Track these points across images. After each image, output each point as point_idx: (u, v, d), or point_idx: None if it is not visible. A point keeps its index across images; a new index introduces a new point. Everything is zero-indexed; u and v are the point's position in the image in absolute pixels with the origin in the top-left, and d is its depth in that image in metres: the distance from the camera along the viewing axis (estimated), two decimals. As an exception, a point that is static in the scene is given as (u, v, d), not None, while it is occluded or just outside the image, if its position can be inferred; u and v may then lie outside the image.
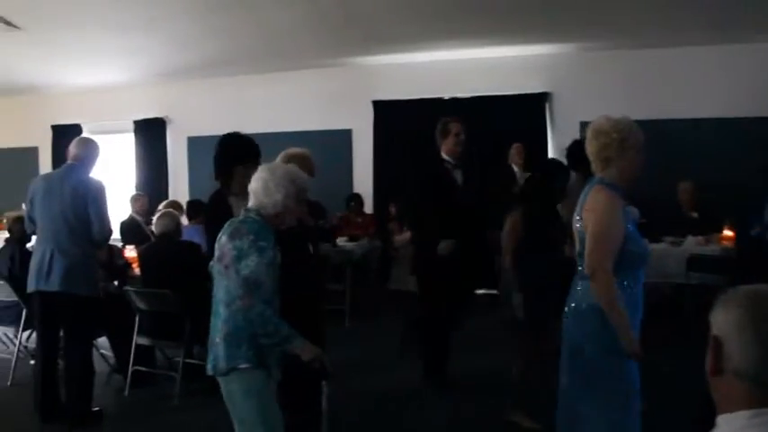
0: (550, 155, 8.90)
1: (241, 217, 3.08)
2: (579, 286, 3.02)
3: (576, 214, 3.05)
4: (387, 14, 7.63)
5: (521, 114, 8.86)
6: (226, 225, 3.10)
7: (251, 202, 3.08)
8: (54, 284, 4.58)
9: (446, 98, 9.28)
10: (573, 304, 3.04)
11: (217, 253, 3.04)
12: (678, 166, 7.69)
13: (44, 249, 4.64)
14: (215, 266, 3.04)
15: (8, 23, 7.19)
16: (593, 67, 8.74)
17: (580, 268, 3.00)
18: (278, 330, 2.89)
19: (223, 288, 2.97)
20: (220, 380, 3.02)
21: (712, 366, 1.40)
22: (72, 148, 4.87)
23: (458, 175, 5.27)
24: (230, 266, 2.91)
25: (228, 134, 4.43)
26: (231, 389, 3.00)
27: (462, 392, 5.26)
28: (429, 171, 5.34)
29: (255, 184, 3.07)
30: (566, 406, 3.10)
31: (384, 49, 8.97)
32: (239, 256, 2.89)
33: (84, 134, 11.24)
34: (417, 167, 5.54)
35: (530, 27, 7.92)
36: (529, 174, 7.77)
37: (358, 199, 9.11)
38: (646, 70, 8.50)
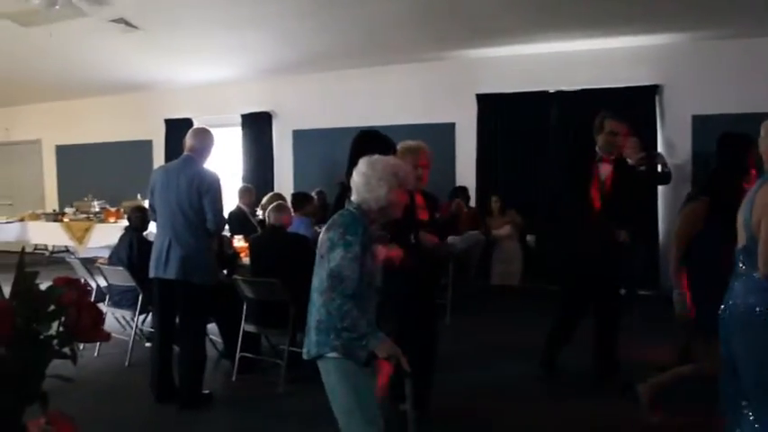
0: (660, 151, 8.60)
1: (343, 209, 3.14)
2: (739, 283, 2.93)
3: (744, 209, 2.93)
4: (491, 6, 7.56)
5: (630, 108, 8.57)
6: (331, 218, 3.17)
7: (353, 197, 3.12)
8: (171, 272, 4.80)
9: (551, 91, 9.13)
10: (731, 302, 2.97)
11: (319, 243, 3.10)
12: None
13: (163, 238, 4.86)
14: (317, 256, 3.11)
15: (128, 24, 7.56)
16: (707, 58, 8.36)
17: (742, 266, 2.92)
18: (356, 326, 2.91)
19: (318, 276, 3.04)
20: (319, 365, 3.07)
21: None
22: (188, 139, 5.03)
23: (605, 170, 5.25)
24: (325, 257, 2.98)
25: (365, 131, 4.51)
26: (325, 374, 3.06)
27: (575, 390, 5.19)
28: (582, 164, 5.29)
29: (357, 179, 3.10)
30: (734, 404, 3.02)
31: (488, 42, 8.89)
32: (331, 248, 2.95)
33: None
34: (572, 160, 5.49)
35: (639, 16, 7.64)
36: (643, 168, 7.61)
37: (464, 193, 9.10)
38: (764, 61, 8.06)
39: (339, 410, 3.06)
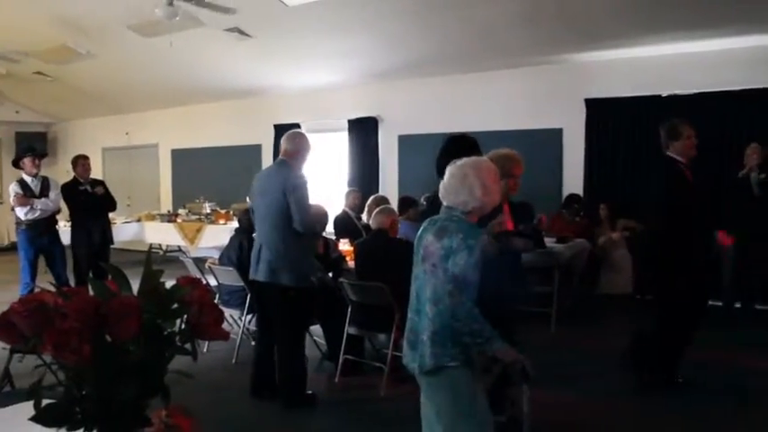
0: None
1: (444, 215, 3.04)
2: None
3: None
4: (600, 9, 7.40)
5: (750, 111, 8.20)
6: (426, 224, 3.09)
7: (458, 203, 3.01)
8: (261, 275, 4.99)
9: (664, 95, 8.80)
10: None
11: (421, 252, 3.02)
12: None
13: (258, 241, 5.09)
14: (419, 266, 3.03)
15: (242, 33, 7.83)
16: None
17: None
18: (483, 330, 2.85)
19: (431, 287, 2.94)
20: (424, 378, 3.01)
21: None
22: (282, 143, 5.14)
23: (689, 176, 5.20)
24: (438, 265, 2.89)
25: (456, 134, 4.53)
26: (437, 387, 2.99)
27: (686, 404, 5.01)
28: (673, 171, 5.19)
29: (465, 183, 2.99)
30: None
31: (597, 46, 8.69)
32: (447, 255, 2.87)
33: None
34: (664, 168, 5.36)
35: (758, 14, 7.26)
36: (764, 175, 7.27)
37: (578, 201, 8.94)
38: None
39: (451, 421, 2.98)
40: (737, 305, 7.75)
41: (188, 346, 1.47)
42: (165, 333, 1.44)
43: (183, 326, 1.46)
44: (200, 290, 1.47)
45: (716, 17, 7.45)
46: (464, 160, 3.08)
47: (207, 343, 6.24)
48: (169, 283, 1.46)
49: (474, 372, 2.98)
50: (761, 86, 8.20)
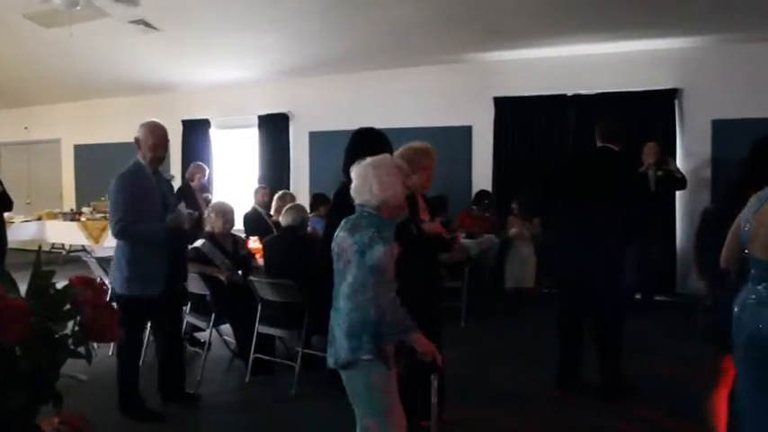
0: (679, 155, 8.55)
1: (357, 213, 3.12)
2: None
3: (751, 215, 2.88)
4: (509, 9, 7.54)
5: (648, 112, 8.55)
6: (342, 222, 3.15)
7: (364, 201, 3.08)
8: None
9: (569, 95, 9.08)
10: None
11: (335, 249, 3.09)
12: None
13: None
14: (335, 264, 3.10)
15: (148, 25, 7.60)
16: (728, 62, 8.28)
17: (753, 271, 2.87)
18: (404, 319, 2.95)
19: (345, 282, 3.02)
20: (342, 373, 3.08)
21: None
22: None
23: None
24: (352, 261, 2.97)
25: (363, 128, 4.50)
26: (354, 381, 3.06)
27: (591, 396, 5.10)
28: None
29: (366, 183, 3.06)
30: None
31: (506, 45, 8.87)
32: (362, 251, 2.94)
33: (212, 129, 11.80)
34: (625, 162, 5.40)
35: (659, 19, 7.57)
36: (659, 173, 7.59)
37: (488, 196, 9.06)
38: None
39: (369, 414, 3.08)
40: (638, 296, 8.08)
41: (81, 349, 1.41)
42: (57, 336, 1.37)
43: (75, 328, 1.39)
44: (94, 290, 1.41)
45: (618, 21, 7.73)
46: (366, 160, 3.14)
47: (113, 345, 6.04)
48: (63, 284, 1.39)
49: (389, 366, 3.03)
50: (658, 88, 8.57)
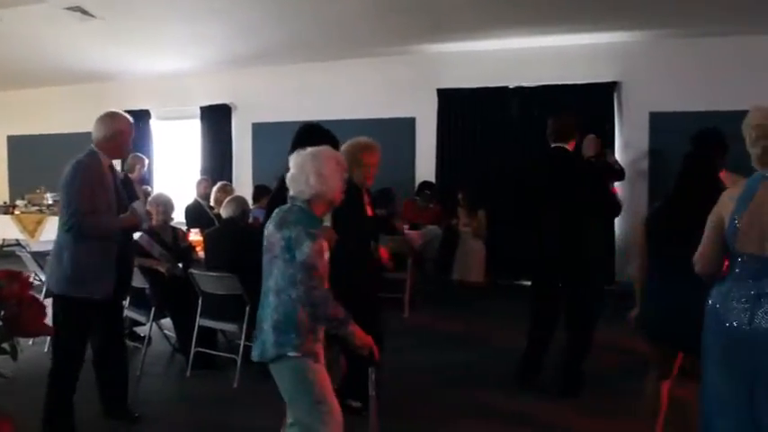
0: (618, 147, 8.72)
1: (287, 206, 3.09)
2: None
3: (739, 212, 2.80)
4: (453, 2, 7.58)
5: (588, 104, 8.69)
6: (273, 214, 3.13)
7: (299, 191, 3.04)
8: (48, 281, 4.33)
9: (511, 87, 9.19)
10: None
11: (265, 242, 3.07)
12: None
13: None
14: (264, 257, 3.08)
15: (85, 12, 7.42)
16: (666, 56, 8.48)
17: (738, 270, 2.81)
18: (338, 313, 2.93)
19: (273, 277, 3.01)
20: (270, 366, 3.07)
21: None
22: (92, 131, 4.28)
23: None
24: (279, 256, 2.96)
25: (308, 124, 4.46)
26: (282, 375, 3.05)
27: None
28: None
29: (303, 172, 3.03)
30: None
31: (449, 37, 8.92)
32: (288, 246, 2.92)
33: (153, 120, 11.57)
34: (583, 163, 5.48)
35: (599, 14, 7.72)
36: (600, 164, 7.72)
37: (431, 188, 9.09)
38: (721, 59, 8.15)
39: (299, 409, 3.06)
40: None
41: (6, 345, 1.37)
42: (-21, 331, 1.33)
43: (-1, 323, 1.35)
44: (20, 283, 1.37)
45: (559, 15, 7.85)
46: (307, 150, 3.11)
47: (48, 341, 5.89)
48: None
49: (318, 359, 3.03)
50: (598, 81, 8.74)
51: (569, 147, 5.07)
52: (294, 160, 3.10)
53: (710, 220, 2.94)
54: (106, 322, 4.39)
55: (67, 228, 4.01)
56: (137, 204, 4.45)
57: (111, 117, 4.25)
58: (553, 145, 5.09)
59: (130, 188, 7.54)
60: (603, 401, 4.82)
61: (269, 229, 3.06)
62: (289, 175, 3.09)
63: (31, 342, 5.53)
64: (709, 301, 2.91)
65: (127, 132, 4.29)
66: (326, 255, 3.00)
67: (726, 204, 2.88)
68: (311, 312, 2.93)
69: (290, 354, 2.97)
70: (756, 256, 2.74)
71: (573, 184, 4.90)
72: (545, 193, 4.97)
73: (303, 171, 3.03)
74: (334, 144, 4.10)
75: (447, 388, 5.23)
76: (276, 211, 3.13)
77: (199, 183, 8.30)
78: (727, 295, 2.82)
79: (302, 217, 2.99)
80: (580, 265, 4.94)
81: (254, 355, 3.12)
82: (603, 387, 5.06)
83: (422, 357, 5.99)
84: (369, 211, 4.53)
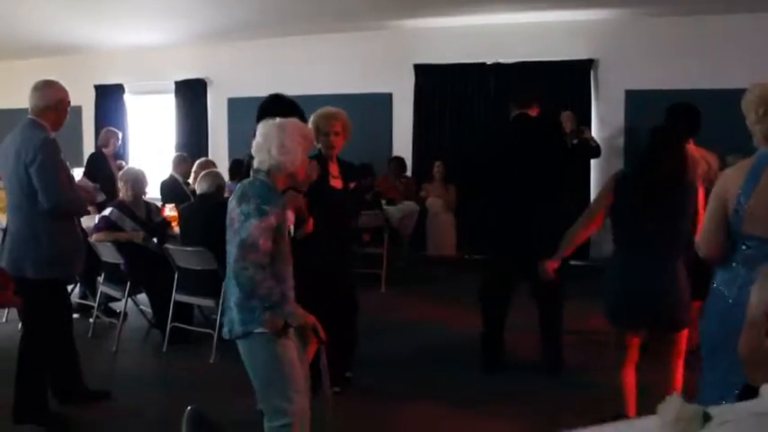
0: (594, 124, 8.75)
1: (249, 179, 3.07)
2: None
3: (746, 194, 2.70)
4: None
5: (565, 81, 8.72)
6: (237, 187, 3.11)
7: (261, 161, 3.01)
8: (5, 264, 3.89)
9: (489, 63, 9.18)
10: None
11: (228, 217, 3.04)
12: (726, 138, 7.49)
13: (6, 223, 4.13)
14: (227, 231, 3.04)
15: (53, -18, 7.27)
16: (642, 34, 8.51)
17: (746, 253, 2.72)
18: (269, 294, 2.90)
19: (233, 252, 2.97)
20: (238, 343, 3.06)
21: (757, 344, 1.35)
22: (29, 99, 4.04)
23: None
24: (239, 232, 2.92)
25: (270, 95, 4.42)
26: (249, 352, 3.04)
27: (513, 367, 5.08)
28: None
29: (268, 142, 2.99)
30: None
31: (426, 12, 8.85)
32: (244, 220, 2.90)
33: (126, 94, 11.41)
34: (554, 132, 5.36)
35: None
36: (576, 140, 7.74)
37: (400, 163, 9.11)
38: (698, 37, 8.20)
39: (266, 384, 3.07)
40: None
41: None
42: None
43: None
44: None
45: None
46: (276, 120, 3.07)
47: (6, 312, 5.83)
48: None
49: (286, 334, 3.01)
50: (575, 58, 8.75)
51: (531, 113, 4.96)
52: (260, 129, 3.06)
53: (712, 203, 2.83)
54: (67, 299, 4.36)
55: (50, 208, 3.83)
56: (82, 180, 4.36)
57: (50, 86, 4.04)
58: (515, 112, 4.99)
59: (104, 163, 7.48)
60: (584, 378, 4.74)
61: (231, 203, 3.04)
62: (254, 143, 3.06)
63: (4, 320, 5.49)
64: (714, 285, 2.84)
65: (67, 102, 4.10)
66: (290, 223, 2.99)
67: (728, 186, 2.77)
68: (241, 291, 2.91)
69: (257, 330, 2.96)
70: (766, 239, 2.65)
71: (536, 151, 4.81)
72: (507, 162, 4.85)
73: (267, 140, 3.00)
74: (301, 116, 4.06)
75: (420, 365, 5.24)
76: (239, 184, 3.11)
77: (175, 159, 8.21)
78: (735, 280, 2.72)
79: (261, 190, 2.96)
80: (547, 237, 4.67)
81: (224, 332, 3.12)
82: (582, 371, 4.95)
83: (397, 334, 6.01)
84: (337, 183, 4.47)
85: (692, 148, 4.37)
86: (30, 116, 3.99)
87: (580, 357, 5.12)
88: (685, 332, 3.56)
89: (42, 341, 4.01)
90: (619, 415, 3.44)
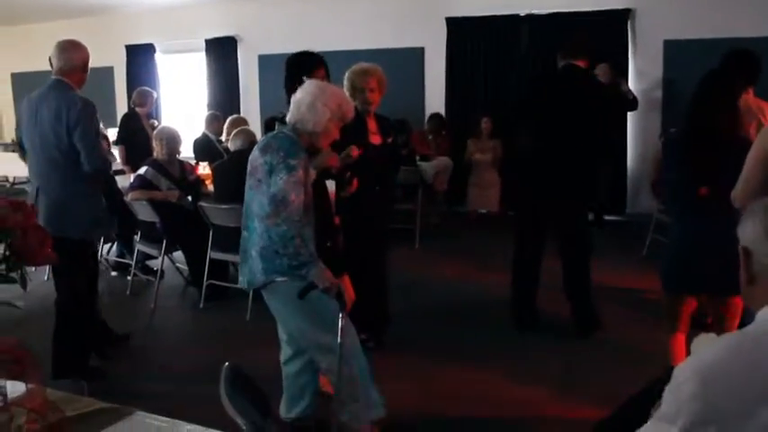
0: (630, 76, 8.55)
1: (274, 132, 3.07)
2: None
3: None
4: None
5: (601, 32, 8.47)
6: (260, 139, 3.10)
7: (290, 115, 3.02)
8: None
9: (522, 15, 8.97)
10: None
11: (249, 167, 3.02)
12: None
13: (35, 184, 4.11)
14: (247, 181, 3.03)
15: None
16: (681, -19, 8.22)
17: None
18: (298, 253, 2.84)
19: (257, 202, 2.96)
20: (264, 293, 3.07)
21: (745, 277, 1.49)
22: (53, 59, 4.10)
23: None
24: (263, 181, 2.90)
25: (296, 52, 4.37)
26: (274, 300, 3.06)
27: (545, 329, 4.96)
28: None
29: (302, 97, 2.99)
30: None
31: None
32: (271, 171, 2.87)
33: (158, 54, 11.41)
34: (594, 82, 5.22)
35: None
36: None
37: (440, 119, 8.99)
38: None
39: (291, 334, 3.12)
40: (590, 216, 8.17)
41: (15, 274, 1.35)
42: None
43: (6, 253, 1.32)
44: (24, 213, 1.34)
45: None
46: (323, 82, 3.08)
47: (48, 270, 5.84)
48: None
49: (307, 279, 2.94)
50: (611, 8, 8.52)
51: (580, 64, 4.79)
52: (303, 86, 3.07)
53: (754, 154, 2.73)
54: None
55: (94, 171, 3.95)
56: None
57: (77, 46, 4.10)
58: (562, 63, 4.82)
59: (138, 123, 7.49)
60: (618, 346, 4.61)
61: (254, 153, 3.01)
62: (294, 99, 3.05)
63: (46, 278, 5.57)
64: None
65: (88, 63, 4.17)
66: (309, 185, 2.97)
67: None
68: (272, 247, 2.88)
69: (278, 279, 2.95)
70: None
71: (585, 102, 4.67)
72: (551, 112, 4.71)
73: (302, 96, 3.00)
74: (327, 72, 4.04)
75: (450, 324, 5.17)
76: (263, 137, 3.11)
77: (207, 117, 8.21)
78: None
79: (285, 143, 2.93)
80: (580, 190, 4.79)
81: (242, 282, 3.10)
82: (617, 331, 4.86)
83: (428, 292, 5.96)
84: (376, 139, 4.44)
85: (749, 98, 4.15)
86: (56, 77, 4.03)
87: (618, 315, 5.08)
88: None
89: (79, 298, 4.10)
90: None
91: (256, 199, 2.96)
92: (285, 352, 3.35)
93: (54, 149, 3.92)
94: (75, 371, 4.01)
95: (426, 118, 9.15)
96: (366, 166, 4.07)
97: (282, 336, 3.32)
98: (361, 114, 4.28)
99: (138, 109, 7.59)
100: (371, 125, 4.44)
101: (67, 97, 3.93)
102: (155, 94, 8.11)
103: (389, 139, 4.55)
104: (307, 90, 3.01)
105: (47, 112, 3.92)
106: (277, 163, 2.85)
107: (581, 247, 4.85)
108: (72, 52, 4.05)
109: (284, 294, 2.98)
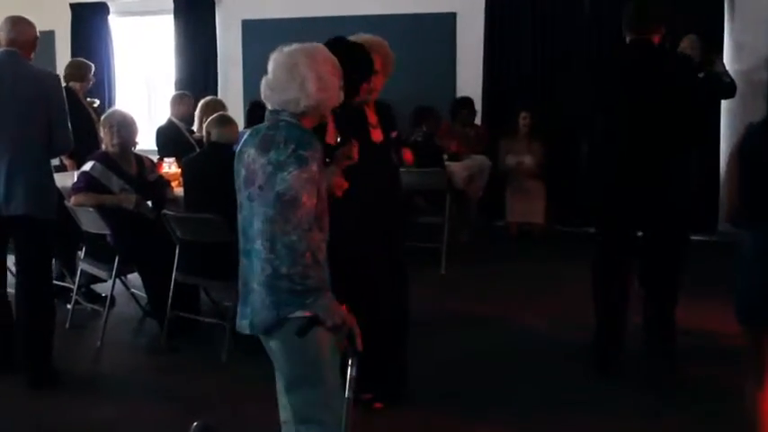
0: (727, 53, 8.54)
1: (268, 123, 2.97)
2: None
3: None
4: None
5: (693, 3, 8.46)
6: (247, 136, 3.02)
7: (285, 102, 2.90)
8: (14, 207, 4.70)
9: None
10: None
11: (242, 173, 2.94)
12: None
13: None
14: (242, 192, 2.94)
15: None
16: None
17: None
18: (306, 275, 2.74)
19: (261, 216, 2.82)
20: (265, 339, 2.98)
21: None
22: (1, 32, 4.88)
23: None
24: (266, 187, 2.79)
25: (336, 42, 4.14)
26: (283, 344, 2.93)
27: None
28: None
29: (295, 74, 2.87)
30: None
31: None
32: (276, 170, 2.77)
33: (112, 16, 11.49)
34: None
35: None
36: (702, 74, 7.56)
37: (469, 106, 9.02)
38: None
39: (301, 386, 2.99)
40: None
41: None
42: None
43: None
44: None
45: None
46: (294, 46, 2.95)
47: None
48: None
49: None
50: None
51: (654, 40, 4.79)
52: (277, 59, 2.95)
53: None
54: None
55: (66, 147, 5.08)
56: None
57: (30, 22, 4.95)
58: (630, 38, 4.82)
59: (77, 102, 7.46)
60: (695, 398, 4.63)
61: (249, 154, 2.91)
62: (269, 81, 2.95)
63: None
64: None
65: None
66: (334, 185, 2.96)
67: None
68: (272, 264, 2.75)
69: (297, 314, 2.81)
70: None
71: (661, 89, 4.66)
72: (621, 104, 4.74)
73: (295, 74, 2.88)
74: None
75: (485, 376, 5.13)
76: (251, 131, 3.02)
77: (175, 99, 8.18)
78: None
79: (294, 133, 2.85)
80: (669, 204, 4.78)
81: (241, 325, 3.00)
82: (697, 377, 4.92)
83: (459, 329, 5.95)
84: (377, 135, 4.33)
85: None
86: (10, 48, 4.75)
87: (699, 366, 5.06)
88: None
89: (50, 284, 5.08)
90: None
91: (259, 212, 2.83)
92: (287, 409, 3.17)
93: (25, 124, 4.64)
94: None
95: (451, 104, 9.16)
96: (368, 171, 3.88)
97: (280, 389, 3.15)
98: (358, 105, 4.19)
99: (72, 84, 7.43)
100: (371, 117, 4.34)
101: (37, 72, 4.78)
102: (93, 68, 7.94)
103: (394, 134, 4.49)
104: (296, 63, 2.89)
105: (23, 85, 4.66)
106: (285, 157, 2.76)
107: (670, 282, 4.89)
108: (26, 26, 4.87)
109: (295, 336, 2.83)
